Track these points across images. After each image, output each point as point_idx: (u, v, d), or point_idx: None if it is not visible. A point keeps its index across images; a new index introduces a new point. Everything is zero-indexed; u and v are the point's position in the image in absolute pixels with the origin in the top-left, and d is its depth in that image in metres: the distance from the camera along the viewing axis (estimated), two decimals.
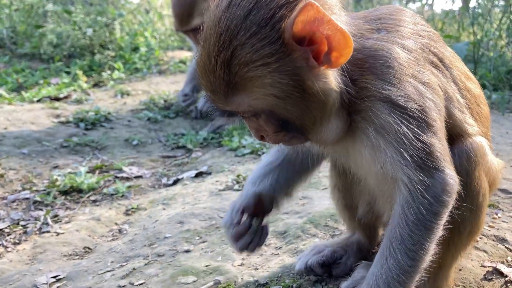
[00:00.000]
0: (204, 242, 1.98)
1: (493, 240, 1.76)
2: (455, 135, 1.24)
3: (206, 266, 1.74)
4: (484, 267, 1.58)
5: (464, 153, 1.22)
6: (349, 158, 1.28)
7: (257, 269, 1.71)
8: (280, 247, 1.85)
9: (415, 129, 1.09)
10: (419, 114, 1.09)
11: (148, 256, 1.90)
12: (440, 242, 1.15)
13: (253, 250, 1.35)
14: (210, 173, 2.93)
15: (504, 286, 1.48)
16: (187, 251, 1.91)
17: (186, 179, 2.89)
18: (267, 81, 1.03)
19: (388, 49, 1.13)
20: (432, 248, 1.13)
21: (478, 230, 1.32)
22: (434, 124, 1.12)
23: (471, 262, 1.60)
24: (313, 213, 2.02)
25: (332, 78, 1.07)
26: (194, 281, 1.64)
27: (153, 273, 1.74)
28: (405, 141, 1.08)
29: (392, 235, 1.13)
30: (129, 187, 2.79)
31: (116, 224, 2.35)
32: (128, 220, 2.37)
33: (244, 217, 1.36)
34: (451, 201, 1.13)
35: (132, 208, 2.49)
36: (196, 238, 2.03)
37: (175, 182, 2.90)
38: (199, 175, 2.92)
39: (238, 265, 1.73)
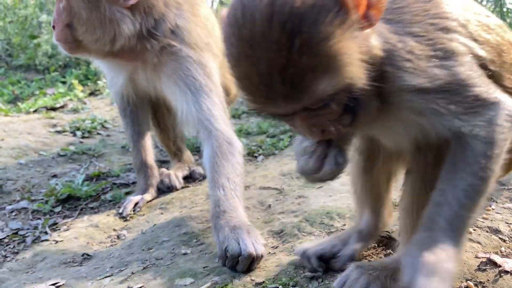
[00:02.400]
0: (201, 244, 2.00)
1: (487, 232, 1.77)
2: None
3: (204, 267, 1.75)
4: (478, 258, 1.59)
5: None
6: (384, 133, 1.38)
7: (256, 268, 1.73)
8: (276, 246, 1.86)
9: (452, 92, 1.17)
10: (453, 87, 1.17)
11: (147, 260, 1.91)
12: None
13: None
14: (206, 177, 2.95)
15: (498, 275, 1.50)
16: (185, 254, 1.92)
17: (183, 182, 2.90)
18: (343, 51, 1.01)
19: (401, 44, 1.17)
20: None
21: None
22: (470, 73, 1.19)
23: (466, 253, 1.61)
24: (308, 212, 2.04)
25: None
26: (192, 283, 1.65)
27: (151, 276, 1.76)
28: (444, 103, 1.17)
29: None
30: (127, 193, 2.81)
31: (115, 230, 2.36)
32: (126, 226, 2.39)
33: None
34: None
35: (130, 214, 2.50)
36: (193, 240, 2.04)
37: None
38: (196, 178, 2.94)
39: None
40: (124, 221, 2.43)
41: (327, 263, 1.60)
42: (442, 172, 1.23)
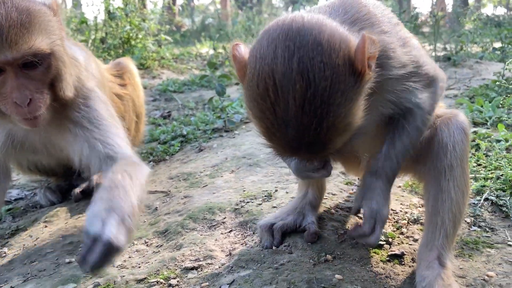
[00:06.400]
0: None
1: (347, 212, 2.02)
2: None
3: (87, 272, 1.77)
4: (337, 234, 1.82)
5: None
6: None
7: (139, 267, 1.79)
8: (161, 245, 1.94)
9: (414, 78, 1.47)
10: (414, 68, 1.46)
11: (28, 273, 1.88)
12: None
13: None
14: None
15: (352, 246, 1.73)
16: (69, 263, 1.92)
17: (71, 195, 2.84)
18: (359, 114, 1.19)
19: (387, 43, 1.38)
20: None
21: None
22: (421, 53, 1.52)
23: (327, 231, 1.83)
24: (192, 210, 2.14)
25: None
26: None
27: (32, 287, 1.74)
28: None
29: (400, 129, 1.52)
30: (8, 210, 2.69)
31: None
32: (7, 243, 2.29)
33: None
34: None
35: (12, 231, 2.41)
36: (79, 249, 2.04)
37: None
38: (84, 191, 2.89)
39: (119, 267, 1.79)
40: (4, 238, 2.33)
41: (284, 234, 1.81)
42: (392, 130, 1.53)
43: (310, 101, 1.09)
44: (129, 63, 2.97)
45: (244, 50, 1.26)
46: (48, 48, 1.77)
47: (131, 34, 7.22)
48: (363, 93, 1.20)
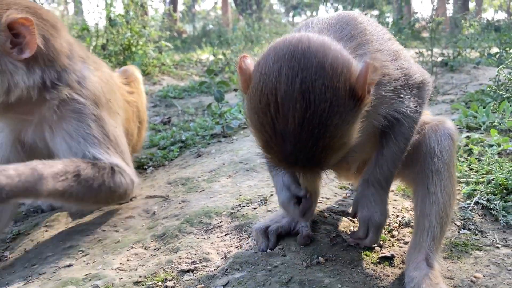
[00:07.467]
0: (86, 255, 2.06)
1: (339, 215, 2.07)
2: None
3: (86, 275, 1.82)
4: (330, 237, 1.86)
5: None
6: None
7: (136, 270, 1.84)
8: (158, 248, 1.99)
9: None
10: (405, 80, 1.55)
11: (29, 276, 1.93)
12: None
13: None
14: None
15: (343, 249, 1.78)
16: (69, 266, 1.96)
17: None
18: (355, 135, 1.25)
19: (380, 61, 1.43)
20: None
21: None
22: (410, 65, 1.59)
23: (320, 234, 1.88)
24: (189, 214, 2.19)
25: None
26: None
27: None
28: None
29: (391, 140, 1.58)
30: None
31: None
32: (9, 247, 2.35)
33: None
34: None
35: (13, 235, 2.46)
36: (78, 252, 2.09)
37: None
38: None
39: (117, 269, 1.84)
40: (6, 242, 2.39)
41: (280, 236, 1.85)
42: (381, 140, 1.60)
43: (308, 121, 1.15)
44: (134, 70, 3.13)
45: (250, 62, 1.31)
46: None
47: (131, 41, 7.30)
48: (360, 116, 1.26)
